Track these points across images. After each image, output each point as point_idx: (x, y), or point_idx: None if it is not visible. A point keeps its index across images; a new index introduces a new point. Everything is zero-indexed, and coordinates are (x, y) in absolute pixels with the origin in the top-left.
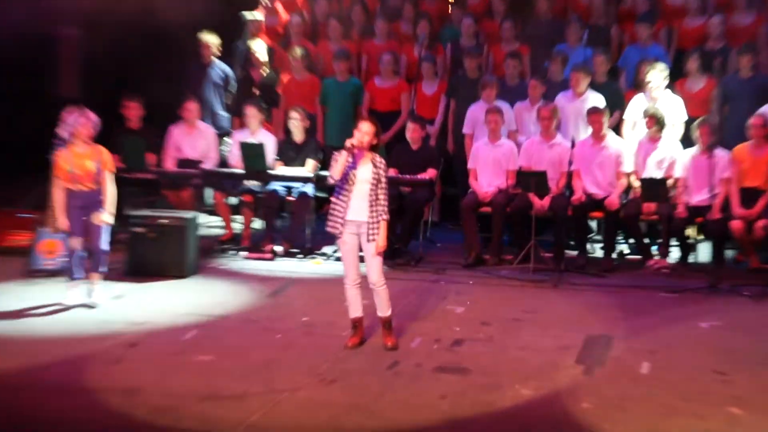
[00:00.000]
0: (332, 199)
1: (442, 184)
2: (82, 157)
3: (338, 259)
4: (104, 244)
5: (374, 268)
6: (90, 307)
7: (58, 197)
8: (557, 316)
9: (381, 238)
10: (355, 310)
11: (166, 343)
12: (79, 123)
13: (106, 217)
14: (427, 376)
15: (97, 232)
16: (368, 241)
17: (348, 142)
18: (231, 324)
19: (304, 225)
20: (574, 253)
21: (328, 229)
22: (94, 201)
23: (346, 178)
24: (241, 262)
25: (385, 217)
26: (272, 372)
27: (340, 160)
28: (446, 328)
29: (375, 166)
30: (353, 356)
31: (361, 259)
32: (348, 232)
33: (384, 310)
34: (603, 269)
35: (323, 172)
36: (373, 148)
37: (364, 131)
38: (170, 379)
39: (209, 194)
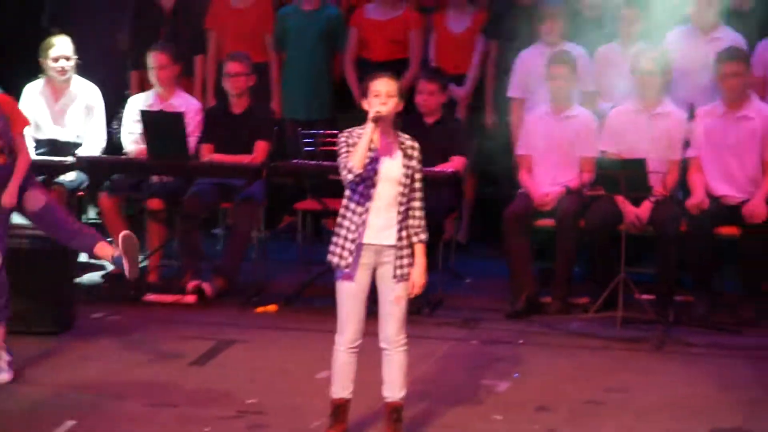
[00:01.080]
0: (340, 210)
1: (476, 181)
2: None
3: (304, 301)
4: None
5: (396, 318)
6: None
7: None
8: (663, 398)
9: (418, 273)
10: (342, 388)
11: None
12: None
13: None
14: None
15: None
16: (395, 277)
17: (373, 113)
18: (130, 411)
19: (249, 249)
20: (690, 295)
21: (331, 258)
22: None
23: (361, 176)
24: (146, 308)
25: (422, 237)
26: None
27: (363, 141)
28: (481, 416)
29: (406, 154)
30: None
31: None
32: (362, 262)
33: (395, 389)
34: (738, 321)
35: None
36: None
37: (385, 92)
38: None
39: (92, 198)
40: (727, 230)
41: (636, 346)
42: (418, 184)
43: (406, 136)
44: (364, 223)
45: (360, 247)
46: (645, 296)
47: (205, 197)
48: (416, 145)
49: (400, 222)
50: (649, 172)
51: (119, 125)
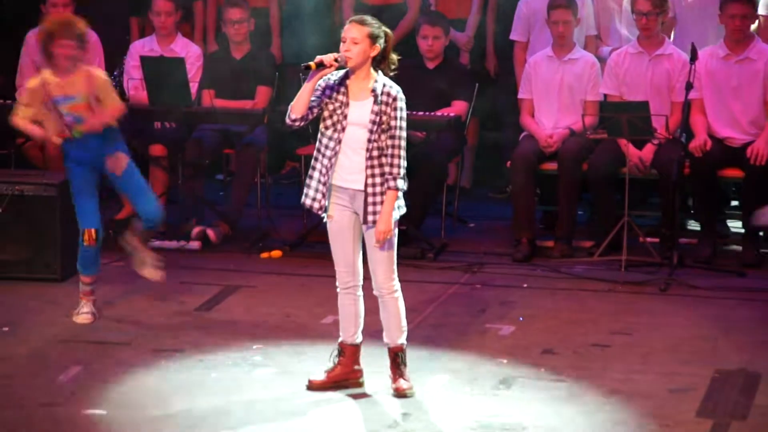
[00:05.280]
0: (314, 153)
1: (479, 126)
2: None
3: (308, 247)
4: None
5: (380, 265)
6: None
7: None
8: (667, 340)
9: (381, 221)
10: (343, 331)
11: (31, 387)
12: None
13: None
14: None
15: None
16: (365, 222)
17: (318, 59)
18: (134, 356)
19: (252, 195)
20: (694, 237)
21: (304, 200)
22: None
23: (332, 119)
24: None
25: (391, 184)
26: None
27: (303, 88)
28: (486, 360)
29: (377, 99)
30: (321, 402)
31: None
32: (337, 203)
33: (394, 335)
34: (743, 263)
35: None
36: (376, 64)
37: (350, 39)
38: None
39: None
40: (731, 172)
41: (640, 289)
42: (396, 131)
43: (388, 82)
44: (332, 165)
45: (332, 188)
46: (649, 239)
47: (208, 143)
48: (393, 91)
49: (370, 167)
50: (651, 115)
51: (120, 72)
